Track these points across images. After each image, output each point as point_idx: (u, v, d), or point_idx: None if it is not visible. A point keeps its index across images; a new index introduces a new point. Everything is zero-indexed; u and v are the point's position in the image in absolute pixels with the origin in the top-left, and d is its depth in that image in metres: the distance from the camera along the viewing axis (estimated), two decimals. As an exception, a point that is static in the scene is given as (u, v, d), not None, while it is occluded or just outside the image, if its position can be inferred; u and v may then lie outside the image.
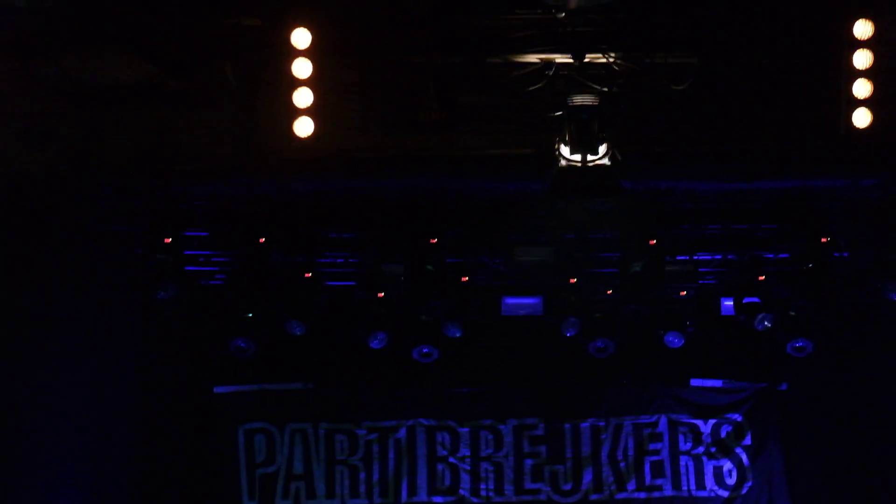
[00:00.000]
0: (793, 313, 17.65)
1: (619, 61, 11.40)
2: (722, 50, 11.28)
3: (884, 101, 10.83)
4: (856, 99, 10.42)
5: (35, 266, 13.92)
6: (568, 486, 19.36)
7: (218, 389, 19.09)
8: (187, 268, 17.26)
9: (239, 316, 17.82)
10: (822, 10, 10.86)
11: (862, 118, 10.44)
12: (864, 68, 10.34)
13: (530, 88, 11.58)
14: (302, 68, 10.52)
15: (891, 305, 17.45)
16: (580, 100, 11.24)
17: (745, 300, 17.90)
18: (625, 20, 11.00)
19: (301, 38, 10.44)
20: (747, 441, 19.44)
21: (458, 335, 18.12)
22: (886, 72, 11.01)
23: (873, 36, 10.30)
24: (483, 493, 19.31)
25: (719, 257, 17.87)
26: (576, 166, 11.31)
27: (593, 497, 19.33)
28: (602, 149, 11.33)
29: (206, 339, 19.03)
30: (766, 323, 17.82)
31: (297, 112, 10.54)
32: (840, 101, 10.55)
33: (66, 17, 10.29)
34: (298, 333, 17.79)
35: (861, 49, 10.31)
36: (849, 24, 10.35)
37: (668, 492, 19.39)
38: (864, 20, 10.24)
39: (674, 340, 18.42)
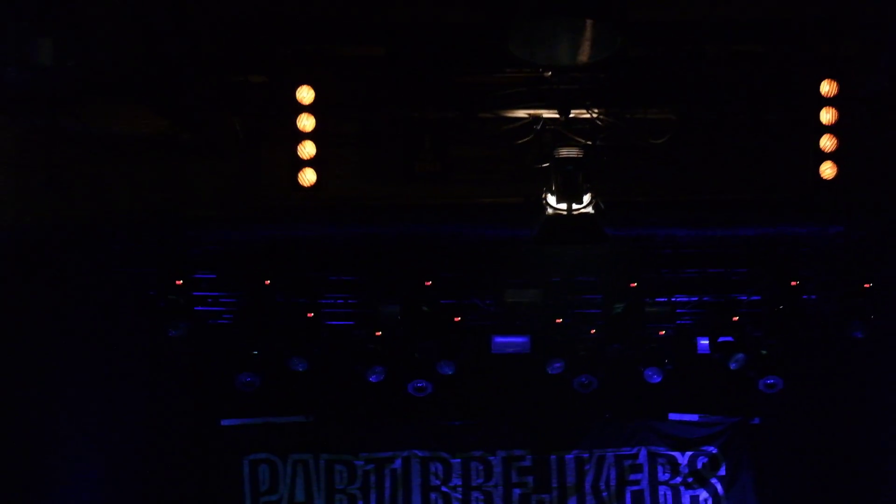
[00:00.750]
0: (764, 352, 17.66)
1: (602, 116, 11.44)
2: (698, 106, 11.32)
3: (848, 155, 10.89)
4: (822, 152, 10.47)
5: (54, 305, 13.92)
6: (554, 515, 19.36)
7: (224, 422, 19.08)
8: (196, 308, 17.28)
9: (244, 353, 17.82)
10: (791, 70, 10.92)
11: (828, 170, 10.49)
12: (829, 124, 10.39)
13: (519, 141, 11.60)
14: (305, 122, 10.55)
15: (855, 344, 17.49)
16: (566, 152, 11.26)
17: (720, 339, 17.93)
18: (607, 78, 11.03)
19: (304, 94, 10.49)
20: (722, 472, 19.42)
21: (450, 372, 18.12)
22: (850, 127, 11.07)
23: (838, 94, 10.36)
24: (474, 520, 19.31)
25: (696, 299, 17.91)
26: (562, 214, 11.32)
27: (578, 525, 19.34)
28: (586, 198, 11.34)
29: (213, 374, 19.03)
30: (739, 362, 17.85)
31: (301, 162, 10.57)
32: (808, 155, 10.59)
33: (87, 75, 10.35)
34: (300, 369, 17.79)
35: (826, 106, 10.37)
36: (816, 83, 10.40)
37: (648, 520, 19.40)
38: (829, 80, 10.30)
39: (653, 377, 18.43)
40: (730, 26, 10.54)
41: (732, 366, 17.91)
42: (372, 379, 18.40)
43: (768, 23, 10.62)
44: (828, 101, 10.38)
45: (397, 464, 19.34)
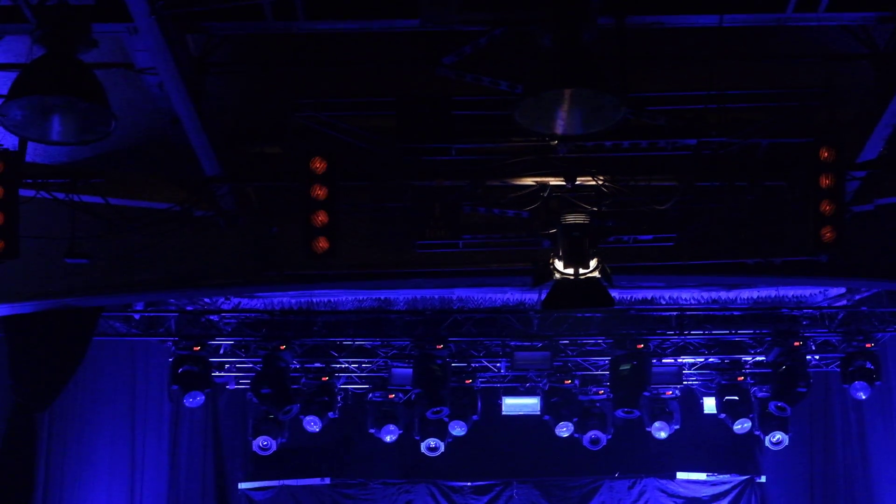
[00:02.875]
0: (769, 411, 17.58)
1: (607, 184, 11.44)
2: (701, 172, 11.32)
3: (847, 219, 10.86)
4: (822, 216, 10.43)
5: (80, 372, 13.91)
6: (565, 573, 19.25)
7: (242, 485, 19.02)
8: (214, 372, 17.27)
9: (262, 417, 17.79)
10: (790, 137, 10.92)
11: (828, 234, 10.45)
12: (828, 189, 10.37)
13: (527, 208, 11.60)
14: (319, 191, 10.55)
15: (859, 403, 17.41)
16: (572, 218, 11.25)
17: (726, 399, 17.86)
18: (612, 147, 11.04)
19: (318, 164, 10.50)
20: (731, 529, 19.32)
21: (462, 433, 18.07)
22: (849, 192, 11.07)
23: (836, 160, 10.35)
24: (487, 578, 19.23)
25: (702, 360, 17.86)
26: (569, 279, 11.30)
27: (589, 583, 19.23)
28: (593, 263, 11.30)
29: (230, 438, 19.01)
30: (745, 426, 17.79)
31: (315, 231, 10.54)
32: (808, 219, 10.56)
33: (107, 148, 10.39)
34: (316, 429, 17.74)
35: (825, 172, 10.36)
36: (815, 150, 10.40)
37: (659, 577, 19.28)
38: (827, 146, 10.30)
39: (660, 434, 18.37)
40: (730, 96, 10.55)
41: (738, 430, 17.84)
42: (386, 440, 18.36)
43: (767, 92, 10.64)
44: (826, 167, 10.36)
45: (411, 522, 19.28)
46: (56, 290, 12.05)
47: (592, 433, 18.39)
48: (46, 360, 13.28)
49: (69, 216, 10.83)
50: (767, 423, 17.93)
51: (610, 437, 18.49)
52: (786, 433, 18.03)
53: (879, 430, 18.05)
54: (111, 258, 11.71)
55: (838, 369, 17.40)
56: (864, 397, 16.92)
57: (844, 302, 16.34)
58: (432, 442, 18.46)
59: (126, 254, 11.76)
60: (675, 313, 16.56)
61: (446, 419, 17.95)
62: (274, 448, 17.92)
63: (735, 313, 16.50)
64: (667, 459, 19.29)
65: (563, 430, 18.10)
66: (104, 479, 16.84)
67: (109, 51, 8.67)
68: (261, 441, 17.85)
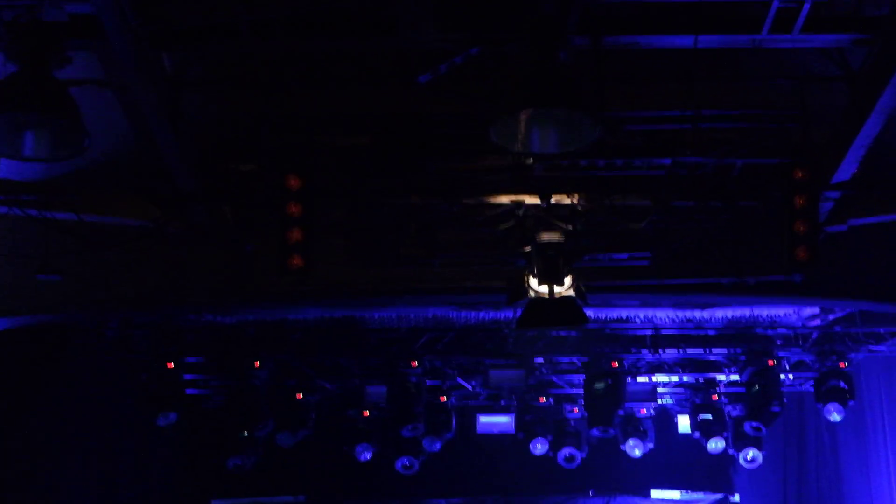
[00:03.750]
0: (743, 430, 17.60)
1: (582, 202, 11.44)
2: (675, 192, 11.33)
3: (821, 239, 10.89)
4: (796, 236, 10.45)
5: (51, 389, 13.82)
6: (538, 591, 19.21)
7: (215, 503, 18.91)
8: (188, 390, 17.19)
9: (235, 435, 17.71)
10: (765, 157, 10.94)
11: (801, 254, 10.47)
12: (802, 209, 10.40)
13: (502, 227, 11.58)
14: (293, 209, 10.51)
15: (830, 422, 17.45)
16: (547, 237, 11.25)
17: (700, 418, 17.87)
18: (587, 166, 11.04)
19: (293, 181, 10.46)
20: (704, 548, 19.32)
21: (437, 449, 18.06)
22: (823, 212, 11.10)
23: (810, 180, 10.38)
24: None
25: (676, 379, 17.88)
26: (543, 297, 11.29)
27: None
28: (567, 281, 11.30)
29: (204, 455, 18.91)
30: (718, 445, 17.81)
31: (289, 248, 10.50)
32: (782, 239, 10.58)
33: (80, 166, 10.33)
34: (289, 444, 17.68)
35: (799, 192, 10.38)
36: (789, 170, 10.43)
37: None
38: (801, 167, 10.33)
39: (634, 452, 18.38)
40: (704, 116, 10.57)
41: (712, 450, 17.85)
42: (360, 458, 18.33)
43: (742, 113, 10.66)
44: (800, 187, 10.39)
45: (385, 542, 19.21)
46: (28, 307, 11.97)
47: (567, 451, 18.39)
48: (17, 376, 13.19)
49: (42, 233, 10.76)
50: (741, 441, 17.95)
51: (584, 454, 18.50)
52: (760, 450, 18.06)
53: (853, 450, 18.12)
54: (84, 275, 11.64)
55: (812, 389, 17.46)
56: (837, 419, 16.97)
57: (818, 322, 16.37)
58: (406, 461, 18.43)
59: (99, 271, 11.69)
60: (649, 332, 16.57)
61: (420, 437, 17.92)
62: (248, 467, 17.84)
63: (709, 332, 16.53)
64: (641, 477, 19.29)
65: (538, 447, 18.10)
66: (77, 496, 16.72)
67: (83, 68, 8.62)
68: (235, 460, 17.76)
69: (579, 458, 18.49)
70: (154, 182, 10.58)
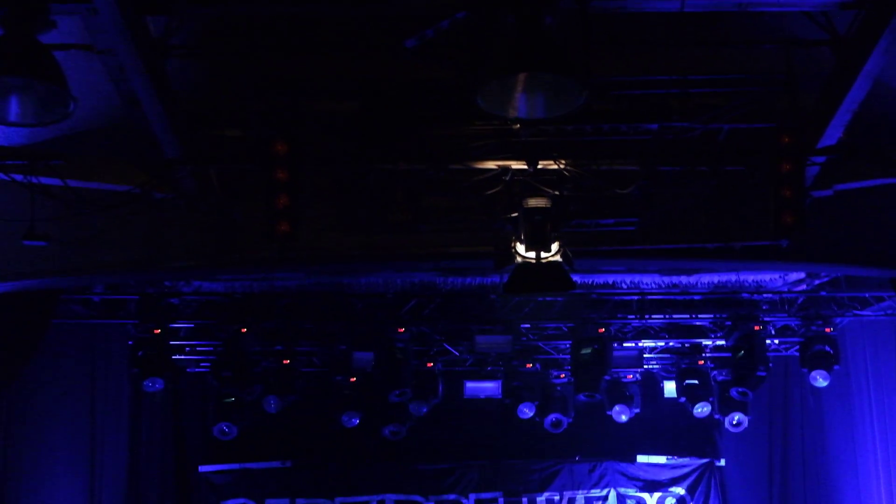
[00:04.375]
0: (729, 395, 17.69)
1: (568, 168, 11.44)
2: (662, 157, 11.34)
3: (807, 204, 10.93)
4: (782, 201, 10.48)
5: (38, 354, 13.81)
6: (525, 555, 19.30)
7: (202, 468, 18.95)
8: (174, 356, 17.20)
9: (222, 401, 17.73)
10: (751, 122, 10.96)
11: (788, 219, 10.50)
12: (788, 174, 10.42)
13: (489, 192, 11.58)
14: (280, 174, 10.50)
15: (814, 389, 17.56)
16: (534, 202, 11.25)
17: (686, 383, 17.94)
18: (574, 131, 11.05)
19: (280, 147, 10.45)
20: (690, 512, 19.42)
21: (424, 412, 18.10)
22: (809, 177, 11.13)
23: (796, 145, 10.40)
24: (447, 562, 19.24)
25: (662, 344, 17.95)
26: (530, 262, 11.30)
27: (548, 565, 19.29)
28: (554, 246, 11.31)
29: (191, 421, 18.94)
30: (704, 409, 17.89)
31: (276, 214, 10.50)
32: (768, 204, 10.61)
33: (66, 131, 10.32)
34: (274, 410, 17.72)
35: (785, 157, 10.40)
36: (775, 135, 10.45)
37: (617, 560, 19.37)
38: (788, 131, 10.35)
39: (621, 418, 18.46)
40: (691, 81, 10.58)
41: (698, 414, 17.93)
42: (347, 424, 18.39)
43: (728, 78, 10.67)
44: (786, 152, 10.41)
45: (372, 507, 19.27)
46: (14, 272, 11.96)
47: (553, 416, 18.45)
48: (3, 343, 13.18)
49: (27, 198, 10.75)
50: (727, 406, 18.04)
51: (571, 420, 18.56)
52: (745, 415, 18.15)
53: (838, 414, 18.22)
54: (70, 241, 11.63)
55: (798, 354, 17.55)
56: (823, 384, 17.07)
57: (804, 287, 16.46)
58: (394, 427, 18.48)
59: (85, 236, 11.67)
60: (636, 297, 16.63)
61: (407, 402, 17.96)
62: (234, 434, 17.87)
63: (695, 298, 16.59)
64: (627, 443, 19.36)
65: (525, 411, 18.18)
66: (63, 461, 16.78)
67: (68, 32, 8.59)
68: (222, 427, 17.79)
69: (566, 423, 18.55)
70: (140, 147, 10.55)
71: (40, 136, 10.60)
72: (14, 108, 7.72)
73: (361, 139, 11.13)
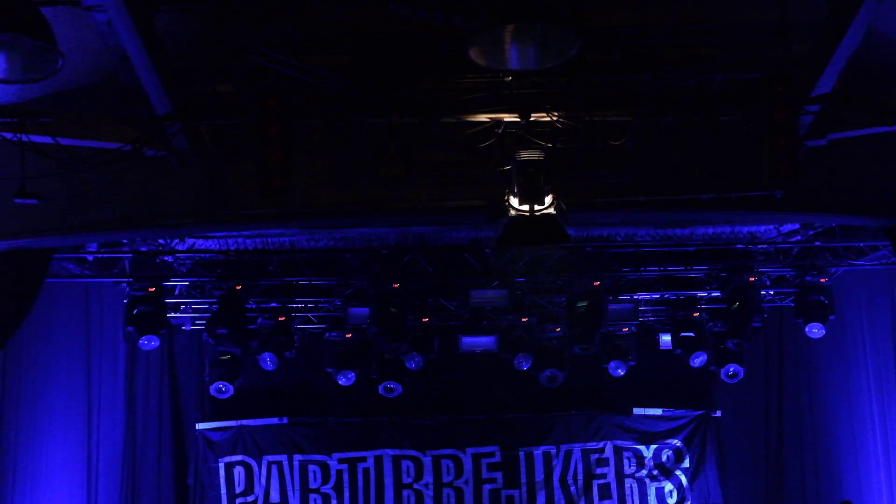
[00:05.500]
0: (724, 346, 17.74)
1: (561, 120, 11.40)
2: (655, 108, 11.31)
3: (801, 155, 10.92)
4: (776, 152, 10.47)
5: (33, 312, 13.80)
6: (523, 509, 19.40)
7: (199, 426, 19.01)
8: (169, 313, 17.21)
9: (218, 359, 17.76)
10: (745, 72, 10.93)
11: (782, 169, 10.50)
12: (782, 124, 10.41)
13: (481, 145, 11.55)
14: (272, 129, 10.48)
15: (809, 340, 17.59)
16: (527, 155, 11.21)
17: (682, 335, 17.97)
18: (566, 83, 11.01)
19: (271, 102, 10.42)
20: (686, 464, 19.48)
21: (419, 367, 18.15)
22: (803, 127, 11.11)
23: (790, 95, 10.38)
24: (446, 516, 19.36)
25: (657, 297, 17.97)
26: (524, 216, 11.28)
27: (547, 519, 19.39)
28: (548, 199, 11.28)
29: (187, 379, 19.00)
30: (700, 360, 17.94)
31: (268, 169, 10.49)
32: (762, 155, 10.60)
33: (55, 87, 10.28)
34: (271, 367, 17.77)
35: (779, 107, 10.38)
36: (769, 85, 10.42)
37: (615, 512, 19.46)
38: (781, 81, 10.32)
39: (617, 372, 18.52)
40: (684, 31, 10.55)
41: (693, 364, 17.98)
42: (343, 379, 18.44)
43: (722, 27, 10.63)
44: (780, 101, 10.39)
45: (370, 463, 19.33)
46: (6, 232, 11.95)
47: (549, 371, 18.52)
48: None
49: (18, 156, 10.71)
50: (723, 357, 18.09)
51: (566, 374, 18.61)
52: (741, 366, 18.21)
53: (834, 364, 18.30)
54: (62, 199, 11.61)
55: (792, 304, 17.57)
56: (818, 334, 17.11)
57: (798, 237, 16.46)
58: (390, 384, 18.54)
59: (77, 194, 11.65)
60: (630, 250, 16.63)
61: (403, 357, 18.01)
62: (231, 392, 17.92)
63: (690, 249, 16.58)
64: (623, 395, 19.42)
65: (522, 363, 18.23)
66: (60, 421, 16.83)
67: (56, -13, 8.54)
68: (218, 385, 17.84)
69: (561, 377, 18.62)
70: (130, 104, 10.52)
71: (29, 93, 10.56)
72: (1, 65, 7.69)
73: (353, 93, 11.08)
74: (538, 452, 19.52)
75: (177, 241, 16.14)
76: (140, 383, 18.41)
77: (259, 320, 17.58)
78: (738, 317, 16.86)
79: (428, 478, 19.37)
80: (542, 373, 18.58)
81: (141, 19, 9.02)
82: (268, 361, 17.74)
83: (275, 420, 19.17)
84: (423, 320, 17.87)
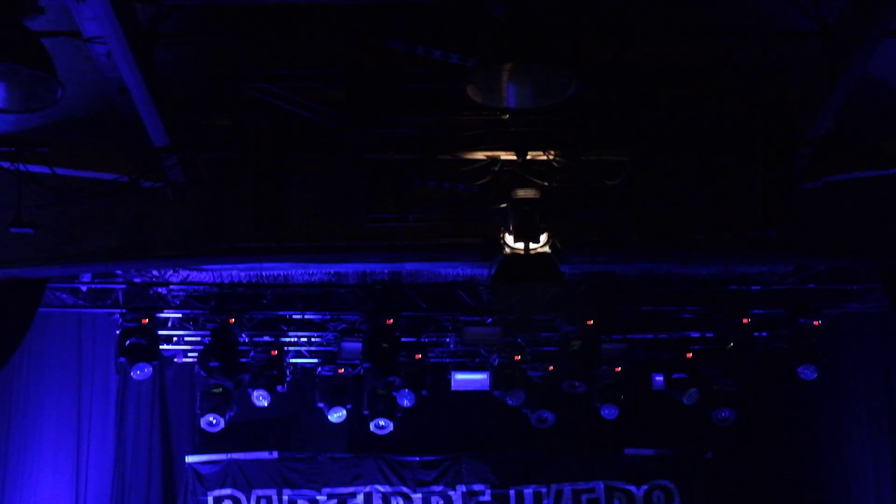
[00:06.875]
0: (717, 388, 17.74)
1: (558, 158, 11.45)
2: (651, 148, 11.36)
3: (795, 196, 10.96)
4: (771, 193, 10.52)
5: (25, 342, 13.79)
6: (512, 548, 19.36)
7: (189, 459, 18.96)
8: (162, 345, 17.20)
9: (209, 391, 17.74)
10: (740, 113, 10.99)
11: (776, 210, 10.54)
12: (776, 166, 10.46)
13: (478, 182, 11.60)
14: (267, 162, 10.52)
15: (802, 383, 17.59)
16: (523, 193, 11.25)
17: (674, 376, 17.98)
18: (563, 121, 11.07)
19: (267, 135, 10.47)
20: (677, 504, 19.47)
21: (411, 405, 18.14)
22: (797, 169, 11.16)
23: (785, 137, 10.44)
24: (435, 554, 19.28)
25: (650, 337, 17.98)
26: (519, 254, 11.32)
27: (535, 558, 19.34)
28: (543, 238, 11.33)
29: (178, 412, 18.96)
30: (693, 398, 17.94)
31: (263, 202, 10.52)
32: (757, 195, 10.65)
33: (54, 118, 10.33)
34: (264, 404, 17.73)
35: (774, 150, 10.44)
36: (764, 126, 10.48)
37: (605, 552, 19.41)
38: (777, 123, 10.38)
39: (609, 412, 18.51)
40: (680, 71, 10.61)
41: (686, 402, 17.98)
42: (335, 415, 18.42)
43: (717, 68, 10.70)
44: (775, 143, 10.45)
45: (359, 499, 19.27)
46: (1, 260, 11.95)
47: (540, 412, 18.56)
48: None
49: (15, 185, 10.74)
50: (715, 399, 18.09)
51: (558, 415, 18.62)
52: (733, 410, 18.21)
53: (827, 407, 18.28)
54: (57, 228, 11.64)
55: (785, 346, 17.58)
56: (811, 377, 17.13)
57: (792, 279, 16.50)
58: (381, 421, 18.51)
59: (73, 224, 11.68)
60: (624, 289, 16.65)
61: (395, 393, 17.99)
62: (221, 425, 17.88)
63: (684, 289, 16.60)
64: (614, 436, 19.39)
65: (514, 400, 18.22)
66: (49, 451, 16.79)
67: (56, 19, 8.60)
68: (208, 418, 17.80)
69: (552, 419, 18.65)
70: (128, 135, 10.56)
71: (28, 123, 10.61)
72: (1, 94, 7.73)
73: (349, 128, 11.13)
74: (528, 491, 19.48)
75: (171, 272, 16.15)
76: (130, 415, 18.36)
77: (252, 353, 17.57)
78: (732, 358, 16.88)
79: (418, 515, 19.35)
80: (533, 413, 18.58)
81: (140, 52, 9.07)
82: (260, 398, 17.70)
83: (265, 454, 19.13)
84: (416, 357, 17.86)
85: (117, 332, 16.58)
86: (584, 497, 19.45)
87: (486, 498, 19.41)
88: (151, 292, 16.42)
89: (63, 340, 16.92)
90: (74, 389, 17.19)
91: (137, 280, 16.26)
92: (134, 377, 16.71)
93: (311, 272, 16.27)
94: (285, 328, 17.47)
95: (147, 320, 16.39)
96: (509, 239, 11.38)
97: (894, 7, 8.65)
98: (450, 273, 16.33)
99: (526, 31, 7.60)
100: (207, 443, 18.82)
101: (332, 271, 16.22)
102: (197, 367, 17.41)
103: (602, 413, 18.52)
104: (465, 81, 7.85)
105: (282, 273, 16.22)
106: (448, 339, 17.91)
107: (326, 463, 19.26)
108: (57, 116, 10.29)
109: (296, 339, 17.96)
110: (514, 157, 11.40)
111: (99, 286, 16.17)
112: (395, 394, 17.96)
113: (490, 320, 16.96)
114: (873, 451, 17.47)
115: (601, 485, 19.46)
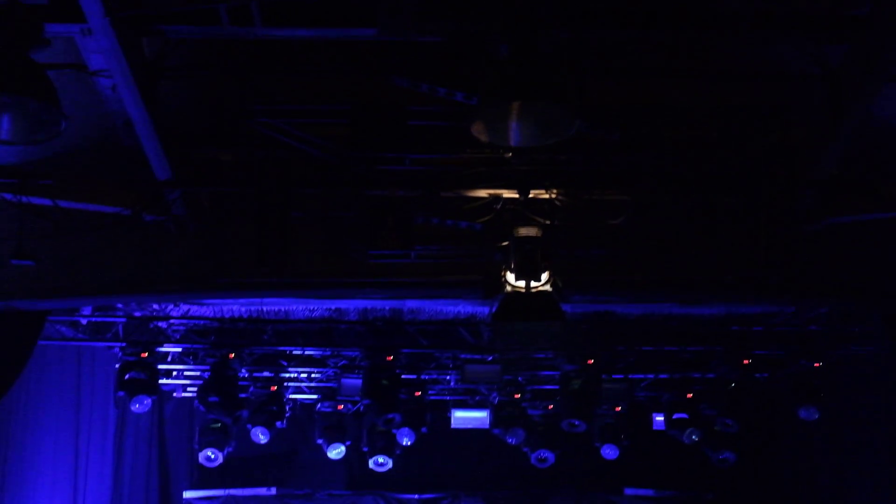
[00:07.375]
0: (718, 428, 17.71)
1: (560, 197, 11.46)
2: (654, 188, 11.37)
3: (798, 238, 10.96)
4: (773, 235, 10.53)
5: (24, 376, 13.77)
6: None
7: (187, 494, 18.91)
8: (161, 380, 17.17)
9: (208, 426, 17.70)
10: (744, 155, 11.00)
11: (778, 253, 10.55)
12: (779, 208, 10.48)
13: (480, 220, 11.60)
14: (270, 197, 10.53)
15: (803, 424, 17.55)
16: (525, 231, 11.26)
17: (675, 416, 17.95)
18: (566, 160, 11.08)
19: (270, 170, 10.49)
20: (677, 546, 19.41)
21: (411, 443, 18.09)
22: (801, 211, 11.16)
23: (789, 179, 10.46)
24: (433, 592, 19.23)
25: (651, 376, 17.96)
26: (520, 292, 11.31)
27: None
28: (544, 276, 11.32)
29: (176, 447, 18.92)
30: (693, 437, 17.89)
31: (266, 237, 10.52)
32: (759, 237, 10.65)
33: (56, 151, 10.33)
34: (263, 441, 17.68)
35: (777, 191, 10.45)
36: (768, 168, 10.49)
37: (605, 592, 19.34)
38: (781, 165, 10.40)
39: (609, 452, 18.47)
40: (683, 112, 10.63)
41: (686, 441, 17.94)
42: (334, 451, 18.37)
43: (721, 110, 10.72)
44: (778, 186, 10.47)
45: (358, 536, 19.24)
46: (1, 292, 11.95)
47: (540, 451, 18.52)
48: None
49: (16, 217, 10.75)
50: (716, 440, 18.05)
51: (558, 452, 18.57)
52: (734, 450, 18.17)
53: (827, 448, 18.24)
54: (59, 261, 11.63)
55: (787, 387, 17.56)
56: (812, 418, 17.09)
57: (794, 320, 16.49)
58: (380, 458, 18.46)
59: (74, 257, 11.68)
60: (625, 329, 16.64)
61: (395, 431, 17.96)
62: (220, 460, 17.83)
63: (686, 329, 16.60)
64: (614, 475, 19.36)
65: (515, 436, 18.18)
66: (47, 484, 16.74)
67: (62, 52, 8.63)
68: (207, 452, 17.75)
69: (552, 458, 18.60)
70: (131, 169, 10.57)
71: (31, 155, 10.62)
72: (5, 126, 7.74)
73: (353, 164, 11.15)
74: (528, 530, 19.44)
75: (171, 306, 16.15)
76: (129, 449, 18.33)
77: (251, 389, 17.55)
78: (732, 398, 16.86)
79: (415, 552, 19.29)
80: (533, 452, 18.54)
81: (145, 86, 9.10)
82: (259, 435, 17.65)
83: (263, 490, 19.09)
84: (416, 394, 17.83)
85: (117, 365, 16.56)
86: (583, 537, 19.42)
87: (486, 536, 19.38)
88: (152, 326, 16.41)
89: (62, 374, 16.91)
90: (73, 423, 17.16)
91: (138, 314, 16.25)
92: (133, 410, 16.67)
93: (311, 308, 16.26)
94: (285, 364, 17.45)
95: (147, 354, 16.37)
96: (511, 277, 11.37)
97: (897, 51, 8.68)
98: (451, 310, 16.33)
99: (530, 70, 7.62)
100: (205, 478, 18.78)
101: (332, 307, 16.21)
102: (196, 401, 17.38)
103: (602, 452, 18.48)
104: (468, 119, 7.86)
105: (282, 308, 16.21)
106: (448, 377, 17.89)
107: (325, 500, 19.22)
108: (60, 149, 10.30)
109: (296, 375, 17.95)
110: (517, 196, 11.41)
111: (99, 319, 16.16)
112: (394, 431, 17.92)
113: (491, 358, 16.94)
114: (874, 493, 17.40)
115: (601, 524, 19.43)
